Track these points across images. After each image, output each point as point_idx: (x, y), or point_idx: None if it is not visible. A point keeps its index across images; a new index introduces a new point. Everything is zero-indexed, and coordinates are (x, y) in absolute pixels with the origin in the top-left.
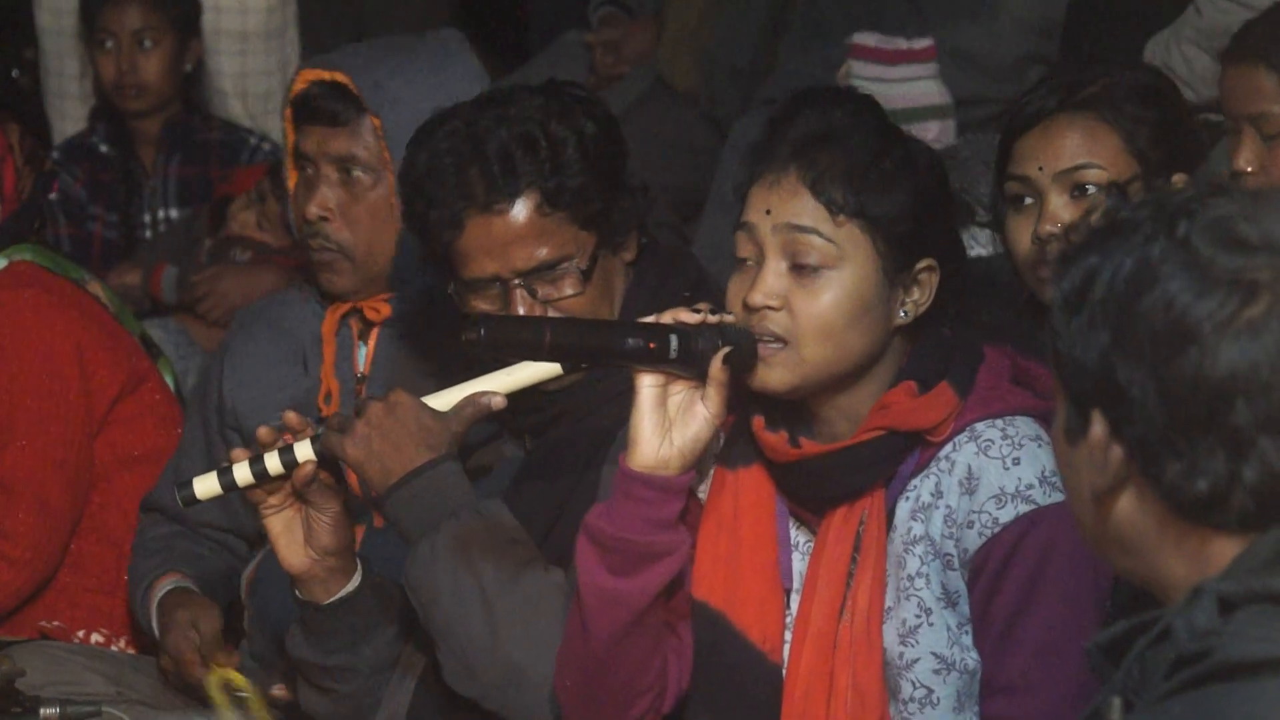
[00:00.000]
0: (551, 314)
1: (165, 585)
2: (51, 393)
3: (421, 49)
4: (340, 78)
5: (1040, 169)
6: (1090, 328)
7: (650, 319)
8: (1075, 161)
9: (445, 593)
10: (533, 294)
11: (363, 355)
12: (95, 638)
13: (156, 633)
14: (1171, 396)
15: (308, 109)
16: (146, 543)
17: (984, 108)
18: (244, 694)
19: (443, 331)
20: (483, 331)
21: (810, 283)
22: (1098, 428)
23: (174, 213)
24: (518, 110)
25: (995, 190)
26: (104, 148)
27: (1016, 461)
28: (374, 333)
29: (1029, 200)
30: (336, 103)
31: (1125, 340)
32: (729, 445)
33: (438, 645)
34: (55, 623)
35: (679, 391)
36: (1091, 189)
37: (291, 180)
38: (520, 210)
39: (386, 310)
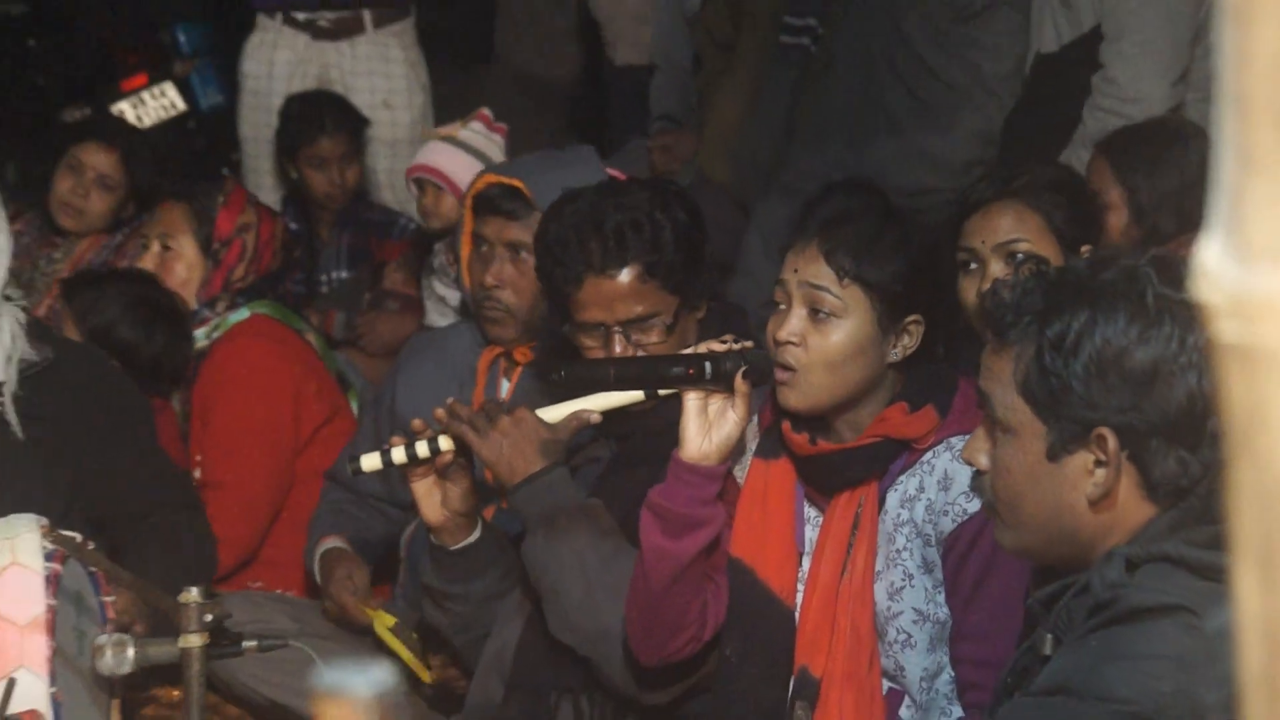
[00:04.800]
0: (639, 354)
1: (326, 544)
2: (268, 420)
3: (571, 160)
4: (516, 183)
5: (982, 242)
6: (1099, 371)
7: (689, 350)
8: (1009, 237)
9: (554, 568)
10: (628, 338)
11: (505, 387)
12: (285, 594)
13: (319, 579)
14: (1174, 413)
15: (490, 204)
16: (324, 505)
17: (940, 195)
18: (393, 628)
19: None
20: (563, 372)
21: (822, 327)
22: (1112, 442)
23: (344, 273)
24: (630, 199)
25: (949, 258)
26: (293, 225)
27: None
28: (517, 371)
29: (974, 265)
30: (514, 202)
31: (1133, 375)
32: (765, 443)
33: (545, 603)
34: (258, 583)
35: (715, 402)
36: (1021, 257)
37: (465, 252)
38: (625, 276)
39: (529, 355)
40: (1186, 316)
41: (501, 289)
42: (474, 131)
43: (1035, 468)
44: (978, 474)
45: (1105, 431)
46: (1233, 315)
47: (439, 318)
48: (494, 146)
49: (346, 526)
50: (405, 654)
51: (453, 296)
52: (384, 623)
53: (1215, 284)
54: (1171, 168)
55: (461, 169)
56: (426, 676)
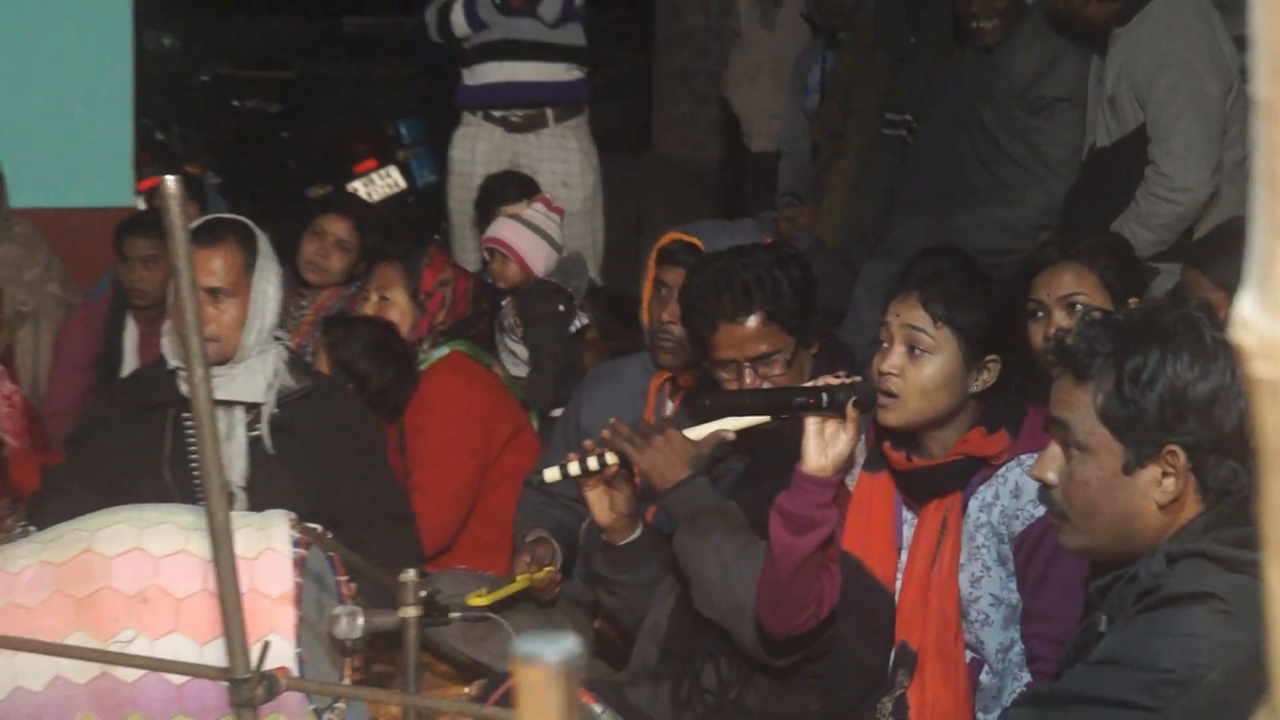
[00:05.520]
0: (765, 385)
1: (533, 535)
2: (463, 435)
3: (735, 228)
4: (695, 240)
5: (1048, 295)
6: (1171, 400)
7: (809, 384)
8: (1069, 291)
9: (698, 557)
10: (755, 372)
11: (669, 407)
12: (484, 574)
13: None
14: (1229, 432)
15: (671, 256)
16: (527, 507)
17: (1013, 256)
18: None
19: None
20: (709, 400)
21: (917, 362)
22: (1182, 457)
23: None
24: (754, 260)
25: (1020, 307)
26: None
27: None
28: (680, 396)
29: (1041, 314)
30: (691, 255)
31: (1201, 403)
32: (870, 459)
33: (691, 586)
34: (462, 565)
35: (830, 425)
36: (1080, 307)
37: (647, 295)
38: (752, 322)
39: (692, 381)
40: (1236, 352)
41: (675, 324)
42: (536, 211)
43: (1112, 480)
44: (1043, 489)
45: (1176, 449)
46: (1264, 356)
47: (511, 368)
48: (552, 224)
49: (548, 521)
50: (504, 591)
51: (521, 351)
52: (521, 583)
53: (1250, 331)
54: None
55: (525, 242)
56: (481, 600)
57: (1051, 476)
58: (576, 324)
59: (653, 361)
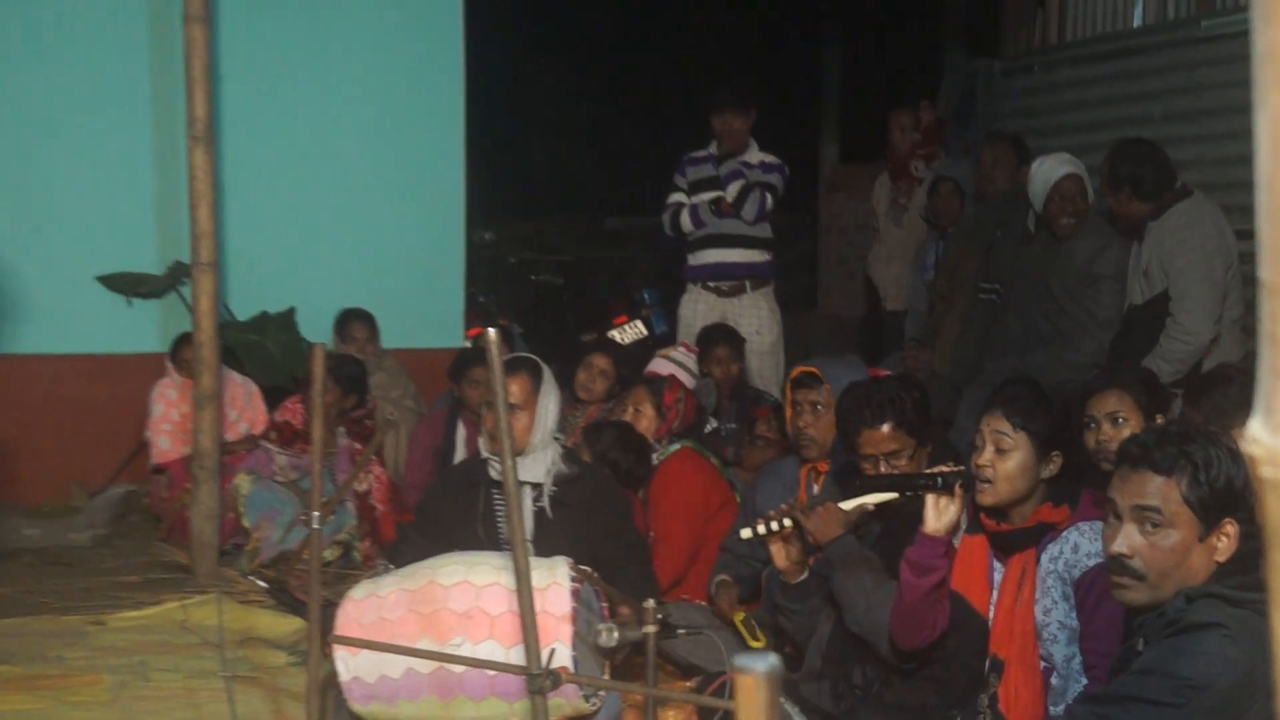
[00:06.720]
0: (896, 472)
1: (720, 578)
2: (688, 505)
3: (843, 360)
4: (814, 370)
5: (1097, 411)
6: (1228, 486)
7: (928, 471)
8: (1113, 409)
9: (848, 591)
10: (887, 463)
11: (814, 489)
12: (699, 603)
13: (714, 595)
14: (1253, 508)
15: (800, 383)
16: (720, 562)
17: (1073, 384)
18: (742, 622)
19: (849, 480)
20: (858, 483)
21: (1003, 457)
22: (1233, 527)
23: (733, 425)
24: (887, 385)
25: (1077, 420)
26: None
27: (1095, 540)
28: (820, 478)
29: (1092, 425)
30: (813, 380)
31: (1240, 488)
32: (970, 524)
33: (843, 611)
34: (686, 596)
35: (943, 500)
36: (1121, 422)
37: (789, 413)
38: (885, 427)
39: (825, 467)
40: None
41: (809, 428)
42: (680, 352)
43: (1190, 547)
44: (1119, 560)
45: (1232, 519)
46: (1268, 463)
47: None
48: (690, 360)
49: (731, 571)
50: (744, 631)
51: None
52: (738, 617)
53: (1258, 445)
54: (1231, 395)
55: (672, 373)
56: (754, 645)
57: (1126, 550)
58: (708, 427)
59: (798, 457)
